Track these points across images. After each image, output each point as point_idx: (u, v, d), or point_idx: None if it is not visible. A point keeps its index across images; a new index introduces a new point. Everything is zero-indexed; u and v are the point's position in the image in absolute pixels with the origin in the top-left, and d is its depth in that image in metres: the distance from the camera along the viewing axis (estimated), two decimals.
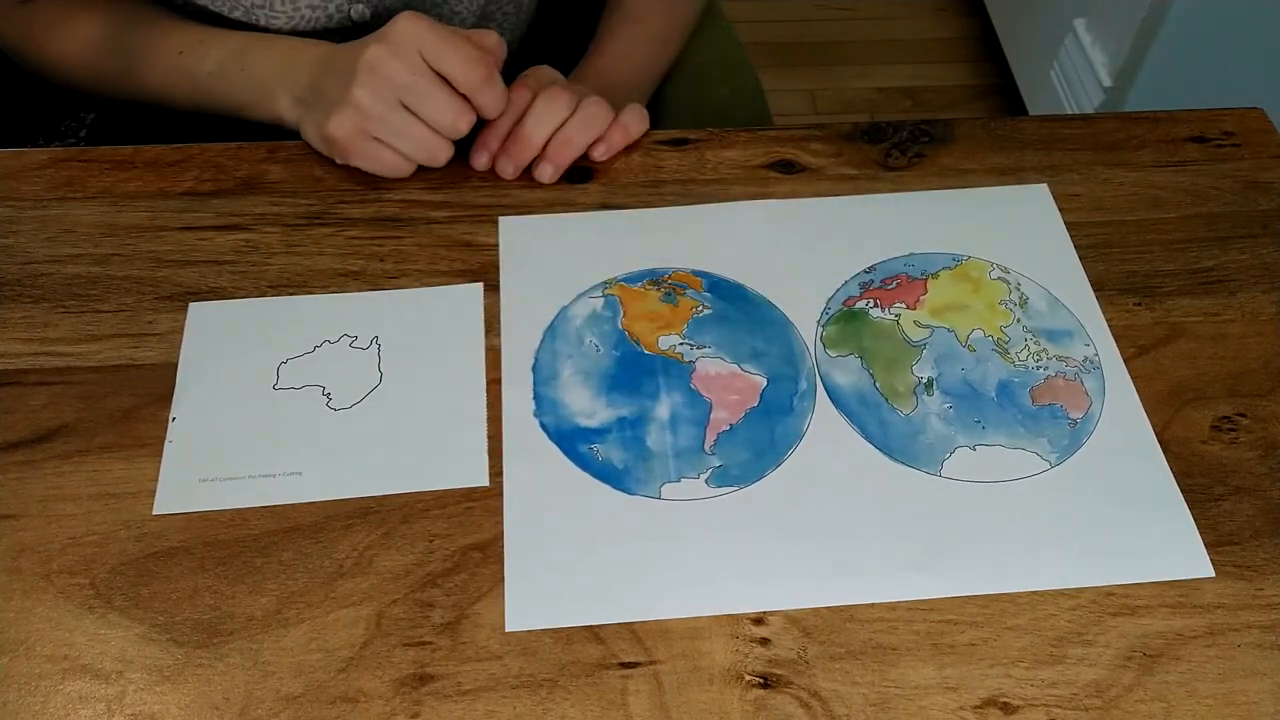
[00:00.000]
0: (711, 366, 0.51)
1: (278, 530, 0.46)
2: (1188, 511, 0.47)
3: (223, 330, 0.52)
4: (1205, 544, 0.46)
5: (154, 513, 0.46)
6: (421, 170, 0.58)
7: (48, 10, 0.64)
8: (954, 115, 1.62)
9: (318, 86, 0.57)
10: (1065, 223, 0.57)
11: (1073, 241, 0.56)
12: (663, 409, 0.50)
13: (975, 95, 1.73)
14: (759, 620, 0.43)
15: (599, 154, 0.59)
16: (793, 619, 0.44)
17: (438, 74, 0.54)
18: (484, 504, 0.47)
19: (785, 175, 0.59)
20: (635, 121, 0.60)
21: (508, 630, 0.43)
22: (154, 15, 0.63)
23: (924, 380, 0.51)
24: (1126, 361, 0.52)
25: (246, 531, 0.46)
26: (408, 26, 0.53)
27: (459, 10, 0.68)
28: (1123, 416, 0.50)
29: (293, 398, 0.50)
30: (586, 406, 0.50)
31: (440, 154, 0.56)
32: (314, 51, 0.59)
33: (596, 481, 0.48)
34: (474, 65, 0.54)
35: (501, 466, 0.48)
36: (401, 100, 0.54)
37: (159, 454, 0.48)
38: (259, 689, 0.41)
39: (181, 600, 0.44)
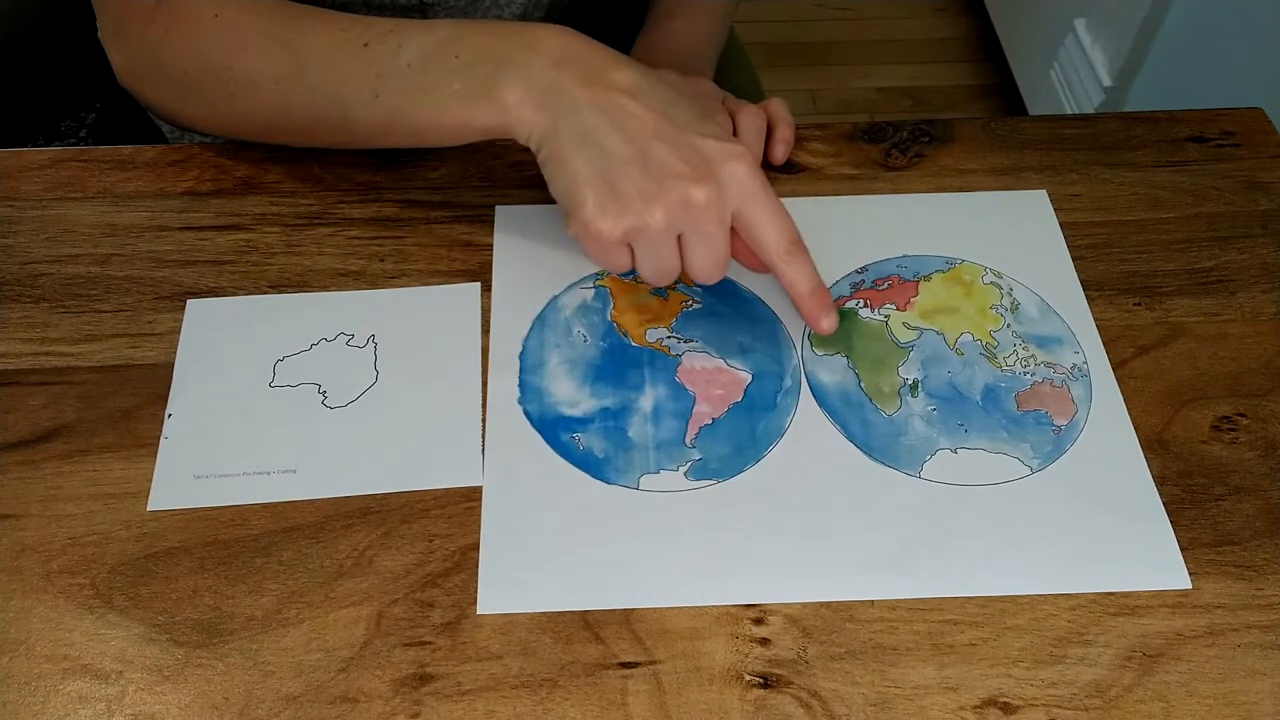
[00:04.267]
0: (697, 361, 0.52)
1: (278, 530, 0.46)
2: (1168, 522, 0.46)
3: (220, 327, 0.52)
4: (1205, 544, 0.46)
5: (148, 509, 0.46)
6: (421, 170, 0.58)
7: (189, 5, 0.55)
8: (954, 115, 1.62)
9: (585, 127, 0.48)
10: (1065, 223, 0.57)
11: (1072, 241, 0.56)
12: (646, 401, 0.50)
13: (975, 95, 1.73)
14: (759, 620, 0.43)
15: (781, 155, 0.60)
16: (793, 619, 0.44)
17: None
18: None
19: (785, 175, 0.59)
20: (786, 110, 0.61)
21: (479, 613, 0.43)
22: (315, 10, 0.54)
23: (909, 382, 0.51)
24: (1125, 363, 0.52)
25: (246, 531, 0.46)
26: (742, 175, 0.47)
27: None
28: (1108, 425, 0.49)
29: (288, 395, 0.50)
30: (570, 396, 0.50)
31: (667, 282, 0.51)
32: (562, 43, 0.49)
33: (575, 470, 0.48)
34: (789, 237, 0.48)
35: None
36: (683, 234, 0.48)
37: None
38: (259, 689, 0.41)
39: (181, 600, 0.44)
